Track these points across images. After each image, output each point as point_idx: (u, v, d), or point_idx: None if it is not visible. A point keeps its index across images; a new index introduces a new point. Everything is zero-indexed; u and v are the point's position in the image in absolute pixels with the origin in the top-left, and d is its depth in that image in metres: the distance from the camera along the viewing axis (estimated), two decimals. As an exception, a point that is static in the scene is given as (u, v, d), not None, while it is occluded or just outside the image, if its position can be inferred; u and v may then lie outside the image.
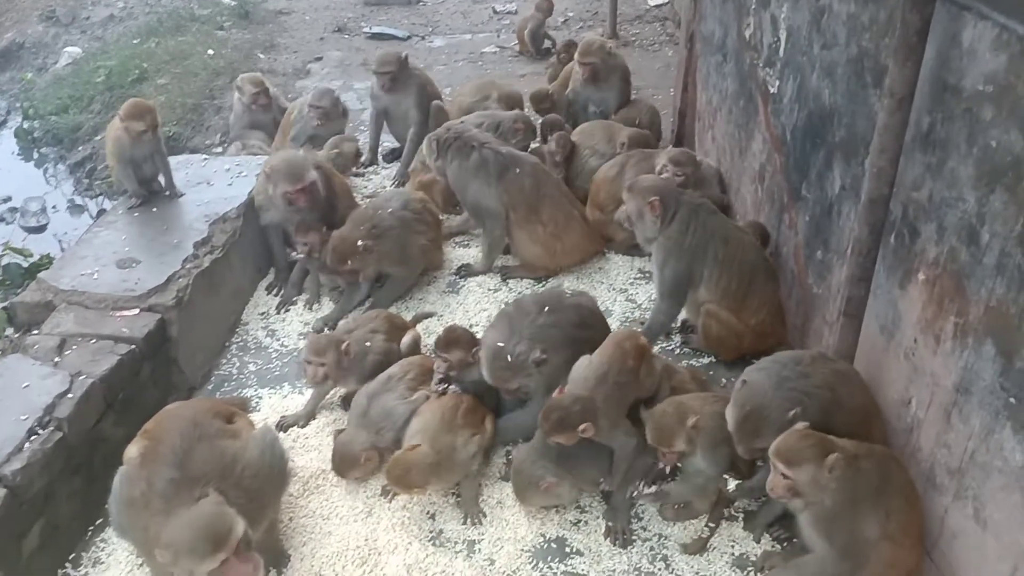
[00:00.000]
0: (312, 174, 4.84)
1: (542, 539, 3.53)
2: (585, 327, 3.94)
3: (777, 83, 4.49)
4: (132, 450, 3.19)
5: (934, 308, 3.08)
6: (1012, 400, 2.65)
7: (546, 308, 3.89)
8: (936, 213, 3.04)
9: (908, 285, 3.26)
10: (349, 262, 4.69)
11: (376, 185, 6.25)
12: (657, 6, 9.89)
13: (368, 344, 4.13)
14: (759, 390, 3.30)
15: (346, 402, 4.13)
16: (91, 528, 3.62)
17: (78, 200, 8.24)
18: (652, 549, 3.49)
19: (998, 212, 2.69)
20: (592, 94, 6.55)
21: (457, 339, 3.88)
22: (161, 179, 5.02)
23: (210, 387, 4.41)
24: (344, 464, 3.72)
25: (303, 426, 4.09)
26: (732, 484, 3.66)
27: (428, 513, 3.65)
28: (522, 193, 5.02)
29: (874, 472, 3.05)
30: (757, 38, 4.80)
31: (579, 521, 3.62)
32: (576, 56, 6.49)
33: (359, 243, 4.67)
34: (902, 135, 3.05)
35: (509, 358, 3.71)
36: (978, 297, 2.81)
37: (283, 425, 4.06)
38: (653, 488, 3.55)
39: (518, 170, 5.04)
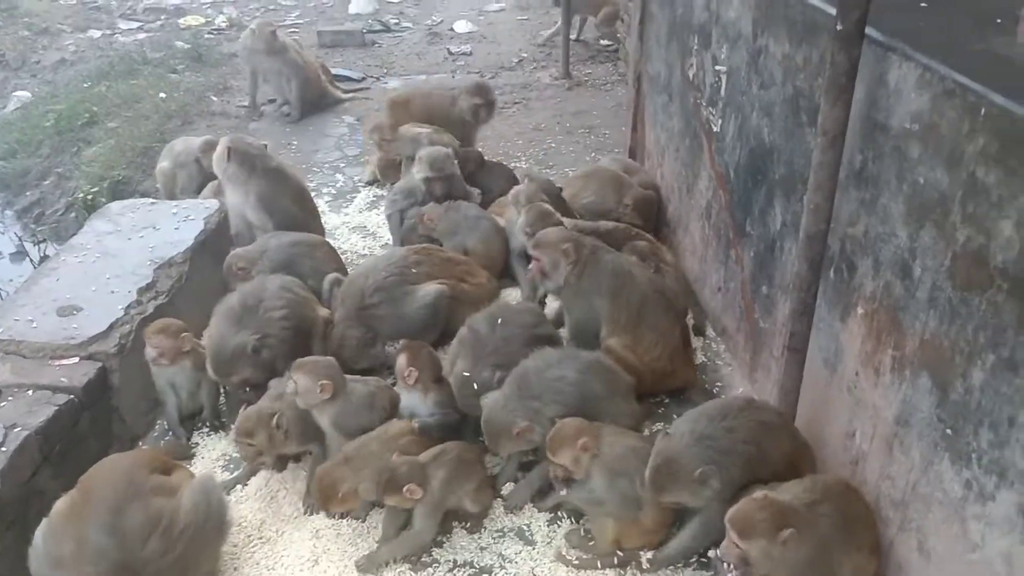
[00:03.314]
0: None
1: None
2: (541, 325, 4.13)
3: (720, 122, 4.57)
4: (60, 505, 3.10)
5: (873, 342, 3.12)
6: (949, 431, 2.68)
7: (499, 321, 3.96)
8: (871, 248, 3.10)
9: (848, 319, 3.30)
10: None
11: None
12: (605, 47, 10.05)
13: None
14: (676, 445, 3.28)
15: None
16: (24, 587, 3.48)
17: (21, 247, 8.07)
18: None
19: (928, 247, 2.75)
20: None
21: (409, 347, 3.89)
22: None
23: (155, 435, 4.31)
24: (325, 500, 3.58)
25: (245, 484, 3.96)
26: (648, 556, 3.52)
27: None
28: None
29: (836, 513, 3.00)
30: (700, 78, 4.89)
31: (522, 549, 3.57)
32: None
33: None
34: (836, 172, 3.10)
35: (475, 386, 3.77)
36: (913, 330, 2.85)
37: (224, 488, 3.90)
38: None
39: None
